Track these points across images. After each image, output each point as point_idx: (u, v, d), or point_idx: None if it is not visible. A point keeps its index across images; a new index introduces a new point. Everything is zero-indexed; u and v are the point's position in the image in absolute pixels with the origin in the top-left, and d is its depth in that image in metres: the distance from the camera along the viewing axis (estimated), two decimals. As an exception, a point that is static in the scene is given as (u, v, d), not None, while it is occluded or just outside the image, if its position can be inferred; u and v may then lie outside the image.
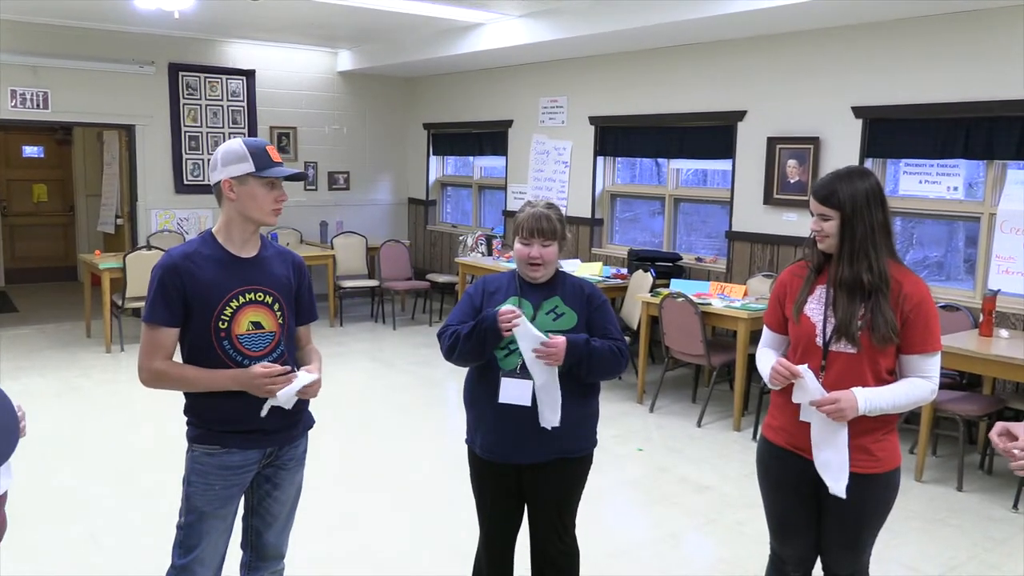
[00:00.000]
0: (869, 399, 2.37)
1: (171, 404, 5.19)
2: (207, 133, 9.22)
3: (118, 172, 9.37)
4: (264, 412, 2.37)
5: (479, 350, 2.61)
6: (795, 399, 2.46)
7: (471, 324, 2.62)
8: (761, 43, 6.64)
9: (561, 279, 2.77)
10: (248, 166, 2.36)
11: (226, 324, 2.36)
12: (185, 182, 9.13)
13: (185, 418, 2.46)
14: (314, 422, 2.61)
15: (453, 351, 2.66)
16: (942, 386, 4.95)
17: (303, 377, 2.39)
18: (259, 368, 2.34)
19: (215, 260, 2.40)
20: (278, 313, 2.46)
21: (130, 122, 8.82)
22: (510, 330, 2.54)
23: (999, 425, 2.01)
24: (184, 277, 2.34)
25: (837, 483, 2.41)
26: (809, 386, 2.39)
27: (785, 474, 2.58)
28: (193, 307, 2.35)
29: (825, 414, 2.37)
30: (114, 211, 9.59)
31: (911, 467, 4.82)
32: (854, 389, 2.38)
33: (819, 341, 2.47)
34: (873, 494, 2.45)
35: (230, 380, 2.35)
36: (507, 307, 2.57)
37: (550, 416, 2.62)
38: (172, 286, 2.33)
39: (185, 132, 9.08)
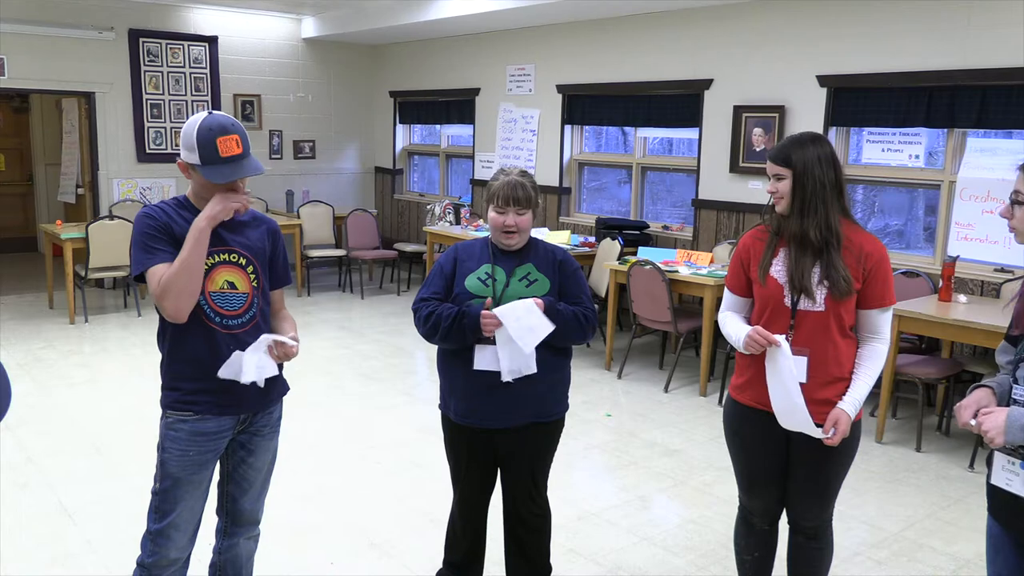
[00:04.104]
0: (856, 401, 2.51)
1: (139, 374, 5.18)
2: (169, 101, 9.06)
3: (78, 141, 9.18)
4: (225, 373, 2.34)
5: (459, 341, 2.67)
6: (773, 400, 2.50)
7: (452, 314, 2.63)
8: (728, 12, 6.66)
9: (534, 246, 2.80)
10: (195, 158, 2.32)
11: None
12: (147, 151, 8.99)
13: (159, 383, 2.45)
14: (288, 388, 2.61)
15: (432, 336, 2.69)
16: (902, 350, 5.13)
17: (264, 338, 2.36)
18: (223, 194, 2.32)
19: (190, 222, 2.37)
20: (252, 276, 2.45)
21: (90, 89, 8.64)
22: (491, 331, 2.59)
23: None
24: (169, 222, 2.34)
25: (812, 431, 2.48)
26: (784, 355, 2.44)
27: (753, 432, 2.65)
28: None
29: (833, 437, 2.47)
30: (75, 180, 9.41)
31: (872, 429, 4.95)
32: (839, 405, 2.50)
33: (787, 302, 2.53)
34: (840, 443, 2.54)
35: (204, 220, 2.30)
36: (489, 314, 2.59)
37: (517, 366, 2.64)
38: (157, 228, 2.32)
39: (147, 100, 8.92)
